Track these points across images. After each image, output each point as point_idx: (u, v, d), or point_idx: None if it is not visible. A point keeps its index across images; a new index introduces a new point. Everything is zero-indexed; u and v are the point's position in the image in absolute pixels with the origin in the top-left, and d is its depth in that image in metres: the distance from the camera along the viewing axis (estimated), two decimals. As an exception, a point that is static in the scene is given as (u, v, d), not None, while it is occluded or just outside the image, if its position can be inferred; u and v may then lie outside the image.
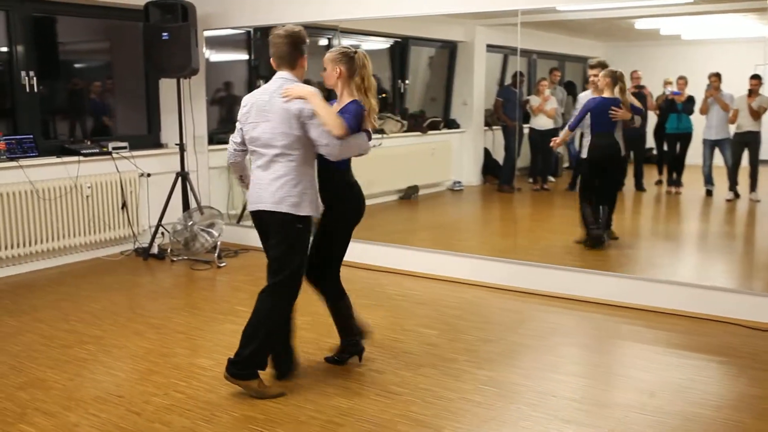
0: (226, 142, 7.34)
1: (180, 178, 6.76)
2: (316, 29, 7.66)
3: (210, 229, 6.38)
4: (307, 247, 3.76)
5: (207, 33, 7.19)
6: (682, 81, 7.26)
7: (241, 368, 3.64)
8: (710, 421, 3.45)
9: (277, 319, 3.72)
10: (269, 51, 3.67)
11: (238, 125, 3.77)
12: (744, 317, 4.78)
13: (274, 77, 3.69)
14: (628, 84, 6.54)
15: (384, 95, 8.77)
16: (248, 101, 3.70)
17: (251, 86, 7.96)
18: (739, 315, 4.80)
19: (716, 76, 6.94)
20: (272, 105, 3.56)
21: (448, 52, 8.62)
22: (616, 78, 6.07)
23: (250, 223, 7.31)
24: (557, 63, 8.98)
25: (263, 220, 3.72)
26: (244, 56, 8.08)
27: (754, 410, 3.58)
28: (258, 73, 7.25)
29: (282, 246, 3.64)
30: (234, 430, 3.35)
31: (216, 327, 4.81)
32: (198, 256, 6.50)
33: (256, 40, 7.23)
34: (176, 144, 6.84)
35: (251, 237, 7.09)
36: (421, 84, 9.19)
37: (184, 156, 6.81)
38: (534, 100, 8.19)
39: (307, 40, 3.70)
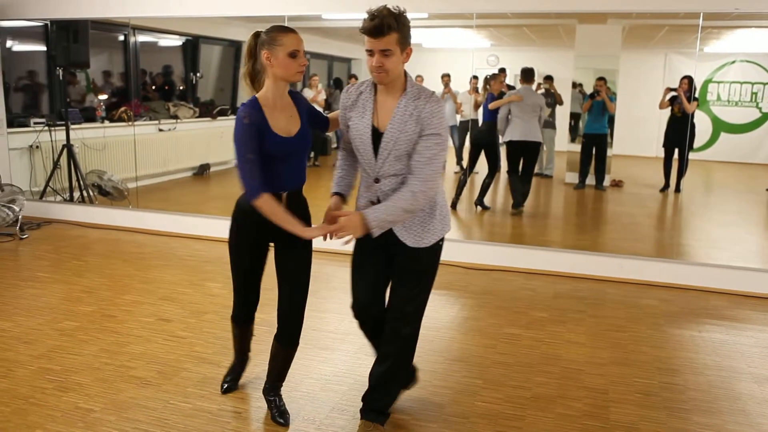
0: (27, 126, 6.79)
1: (-20, 159, 6.02)
2: (109, 25, 7.12)
3: (11, 205, 5.75)
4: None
5: (2, 23, 6.43)
6: (420, 78, 7.59)
7: None
8: (431, 337, 3.73)
9: None
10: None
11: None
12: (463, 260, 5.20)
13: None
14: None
15: (183, 87, 8.41)
16: None
17: (51, 75, 7.25)
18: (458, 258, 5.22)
19: (447, 76, 7.40)
20: None
21: (234, 50, 8.42)
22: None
23: (53, 198, 6.71)
24: (326, 62, 9.10)
25: None
26: (43, 47, 7.31)
27: (463, 328, 3.94)
28: (56, 63, 6.60)
29: None
30: (32, 382, 3.10)
31: (17, 292, 4.38)
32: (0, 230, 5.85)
33: (53, 32, 6.57)
34: (-25, 127, 6.09)
35: (54, 211, 6.53)
36: (211, 77, 8.92)
37: (-18, 138, 6.07)
38: (308, 93, 8.25)
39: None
